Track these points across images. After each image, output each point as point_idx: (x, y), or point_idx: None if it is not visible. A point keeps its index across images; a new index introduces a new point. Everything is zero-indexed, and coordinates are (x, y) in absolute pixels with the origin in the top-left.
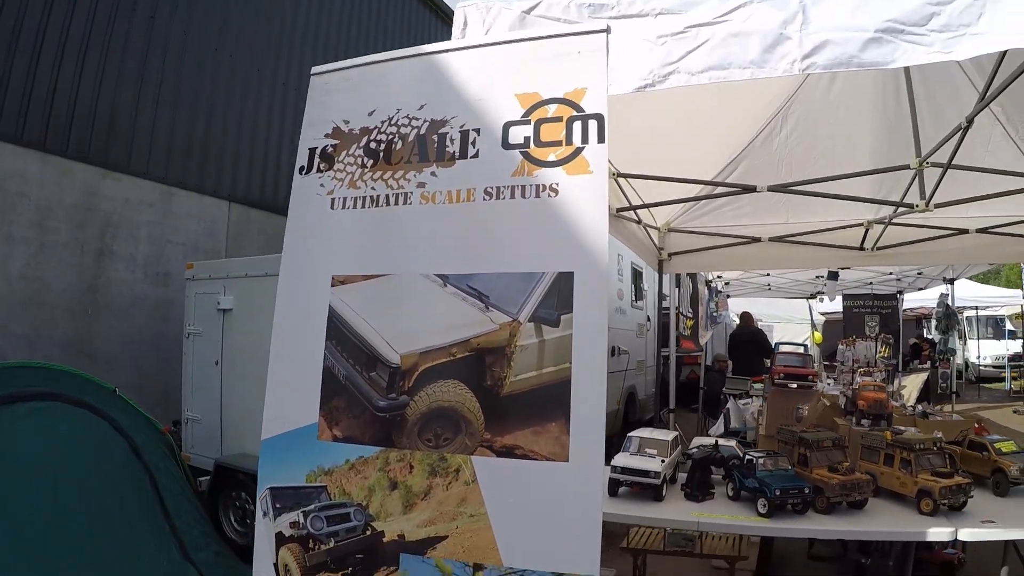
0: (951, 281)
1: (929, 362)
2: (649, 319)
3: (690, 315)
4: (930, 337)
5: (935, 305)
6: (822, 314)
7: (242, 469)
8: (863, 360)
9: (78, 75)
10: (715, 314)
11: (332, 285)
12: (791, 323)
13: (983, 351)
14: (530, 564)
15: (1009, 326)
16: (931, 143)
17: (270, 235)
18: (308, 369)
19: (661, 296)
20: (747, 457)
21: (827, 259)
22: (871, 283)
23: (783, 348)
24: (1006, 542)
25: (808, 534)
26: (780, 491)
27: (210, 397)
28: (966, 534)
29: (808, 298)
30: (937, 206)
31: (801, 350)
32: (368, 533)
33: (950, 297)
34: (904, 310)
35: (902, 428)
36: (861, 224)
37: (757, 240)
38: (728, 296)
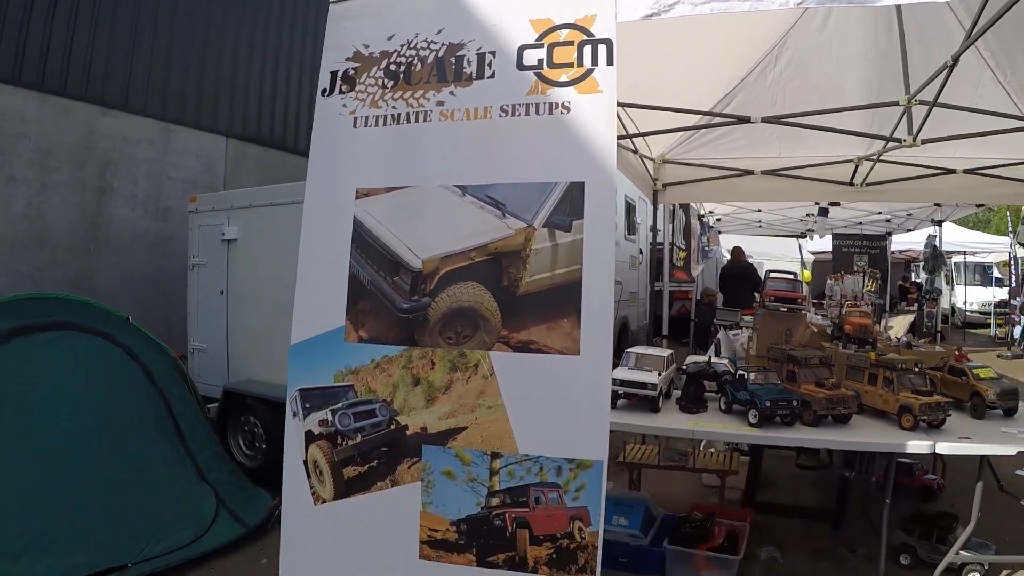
0: (939, 223)
1: (916, 304)
2: (642, 252)
3: (683, 247)
4: (918, 280)
5: (923, 247)
6: (812, 253)
7: (250, 394)
8: (851, 294)
9: (74, 13)
10: (706, 249)
11: (356, 198)
12: (781, 261)
13: (970, 297)
14: (543, 451)
15: (996, 273)
16: (920, 82)
17: (268, 170)
18: (334, 276)
19: (655, 230)
20: (739, 372)
21: (818, 193)
22: (860, 223)
23: (774, 274)
24: (981, 458)
25: (795, 443)
26: (770, 402)
27: (216, 327)
28: (943, 448)
29: (798, 237)
30: (924, 142)
31: (791, 276)
32: (392, 427)
33: (938, 239)
34: (893, 252)
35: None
36: (851, 160)
37: (750, 173)
38: (720, 232)
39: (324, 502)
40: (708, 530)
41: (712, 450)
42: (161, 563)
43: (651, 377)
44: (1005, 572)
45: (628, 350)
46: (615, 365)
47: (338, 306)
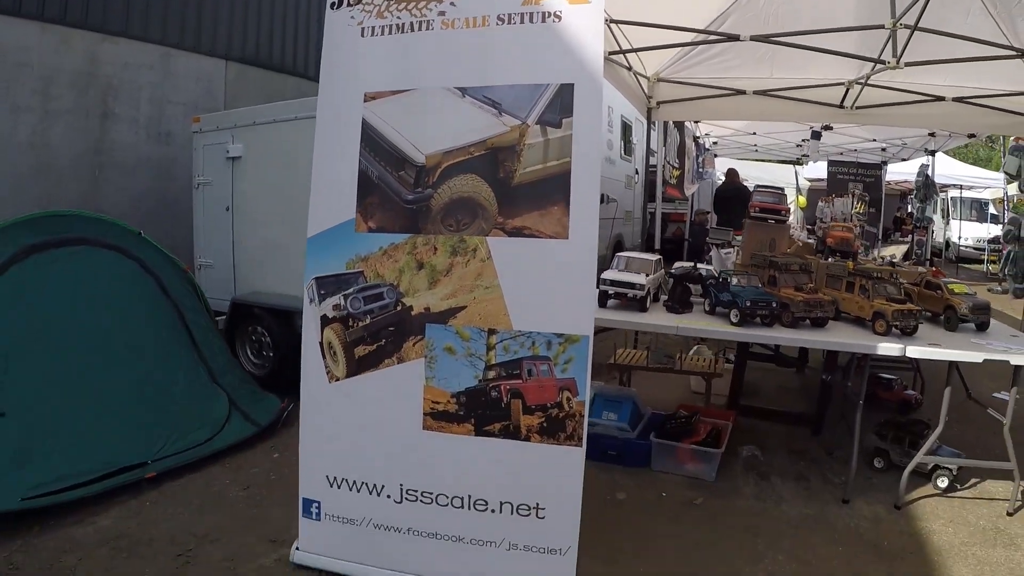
0: (932, 153)
1: (911, 235)
2: (637, 172)
3: (676, 165)
4: (913, 211)
5: (916, 176)
6: (807, 179)
7: (257, 304)
8: (840, 216)
9: None
10: (702, 171)
11: (364, 101)
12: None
13: (965, 232)
14: (536, 327)
15: (992, 210)
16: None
17: (268, 92)
18: (345, 174)
19: (649, 150)
20: (722, 276)
21: (809, 114)
22: (855, 150)
23: (760, 188)
24: (949, 364)
25: (773, 341)
26: (750, 303)
27: (222, 243)
28: (913, 351)
29: (794, 163)
30: (908, 64)
31: (776, 190)
32: (399, 308)
33: (930, 168)
34: (888, 182)
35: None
36: (842, 84)
37: (742, 93)
38: (716, 156)
39: (338, 380)
40: (692, 426)
41: (697, 355)
42: (178, 460)
43: (639, 278)
44: (973, 480)
45: (619, 254)
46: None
47: (349, 200)
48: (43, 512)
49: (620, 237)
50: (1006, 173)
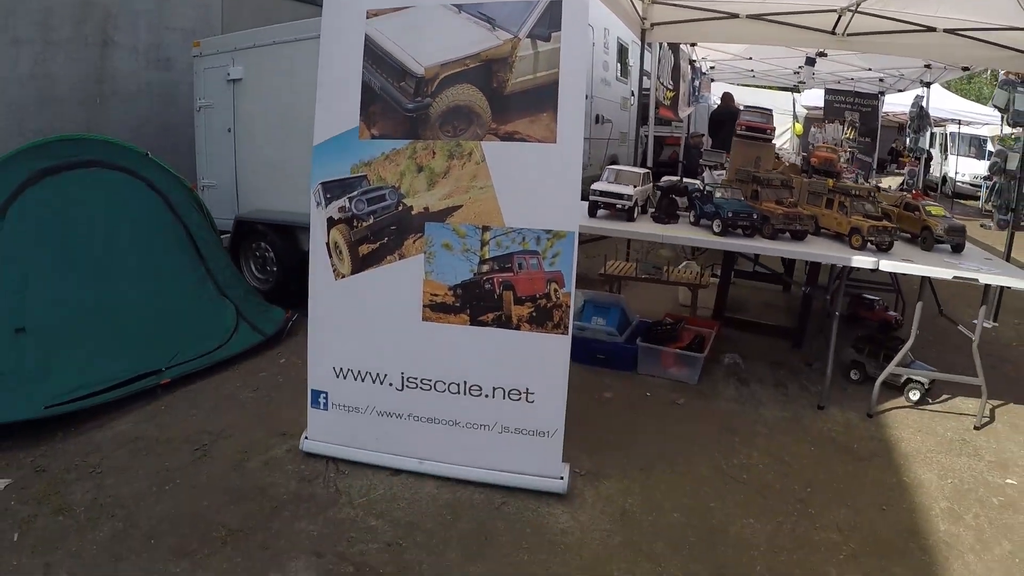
0: (927, 85)
1: (907, 167)
2: (633, 94)
3: (671, 87)
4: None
5: (911, 107)
6: (805, 107)
7: (260, 220)
8: (831, 141)
9: None
10: (698, 94)
11: (367, 18)
12: (773, 113)
13: (963, 168)
14: (525, 224)
15: (990, 147)
16: None
17: (264, 18)
18: (349, 85)
19: (642, 72)
20: (707, 188)
21: (801, 39)
22: (852, 79)
23: (747, 108)
24: (922, 279)
25: (753, 251)
26: (732, 214)
27: (224, 163)
28: (886, 265)
29: (791, 90)
30: None
31: (764, 110)
32: (400, 209)
33: (925, 100)
34: (886, 114)
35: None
36: (834, 10)
37: (735, 16)
38: (712, 80)
39: (343, 277)
40: (678, 333)
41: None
42: (190, 367)
43: (627, 189)
44: (945, 396)
45: (609, 167)
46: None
47: (353, 110)
48: (65, 419)
49: (615, 158)
50: (995, 106)
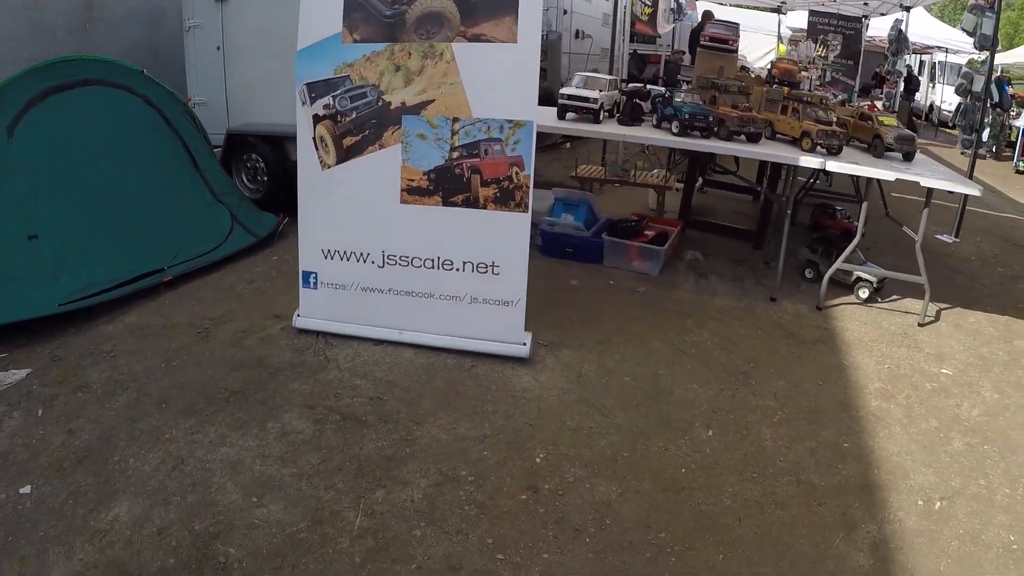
0: (907, 9)
1: (885, 89)
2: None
3: (649, 3)
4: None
5: (889, 30)
6: (790, 28)
7: (251, 132)
8: (805, 59)
9: None
10: (681, 11)
11: None
12: (758, 33)
13: (948, 97)
14: (490, 115)
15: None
16: None
17: None
18: None
19: None
20: (667, 93)
21: None
22: (836, 0)
23: (713, 21)
24: (867, 181)
25: (707, 149)
26: (689, 115)
27: (214, 80)
28: (832, 166)
29: (776, 11)
30: None
31: (729, 23)
32: (380, 104)
33: (904, 23)
34: (872, 38)
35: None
36: None
37: None
38: None
39: (329, 167)
40: (642, 229)
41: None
42: (190, 265)
43: (593, 93)
44: (894, 296)
45: (578, 73)
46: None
47: (336, 16)
48: (77, 316)
49: (595, 71)
50: (963, 30)
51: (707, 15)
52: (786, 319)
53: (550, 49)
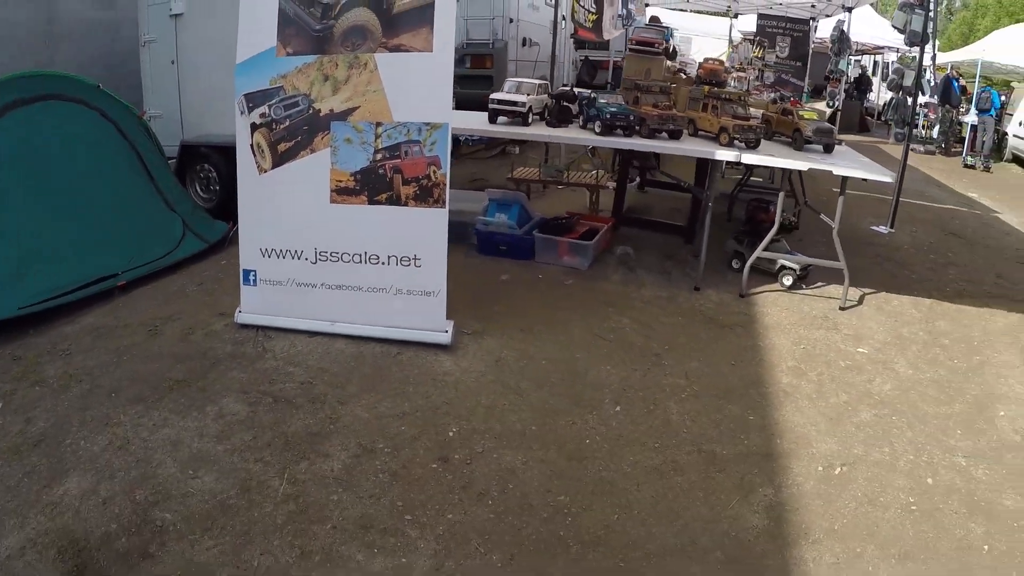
0: (849, 9)
1: (829, 88)
2: (564, 18)
3: (593, 10)
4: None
5: (832, 31)
6: (740, 32)
7: (203, 143)
8: (743, 60)
9: None
10: (631, 17)
11: None
12: (708, 37)
13: None
14: (409, 118)
15: (928, 75)
16: None
17: None
18: (267, 11)
19: None
20: (592, 95)
21: None
22: (782, 2)
23: (646, 27)
24: (783, 171)
25: (628, 147)
26: (610, 116)
27: (169, 94)
28: (748, 158)
29: (727, 15)
30: None
31: (658, 27)
32: (311, 112)
33: (846, 24)
34: (823, 39)
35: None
36: None
37: None
38: (647, 4)
39: (265, 171)
40: (573, 226)
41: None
42: (143, 270)
43: (521, 97)
44: (819, 283)
45: (509, 78)
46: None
47: (271, 31)
48: (36, 318)
49: (544, 78)
50: (894, 27)
51: (654, 20)
52: (708, 307)
53: (496, 57)
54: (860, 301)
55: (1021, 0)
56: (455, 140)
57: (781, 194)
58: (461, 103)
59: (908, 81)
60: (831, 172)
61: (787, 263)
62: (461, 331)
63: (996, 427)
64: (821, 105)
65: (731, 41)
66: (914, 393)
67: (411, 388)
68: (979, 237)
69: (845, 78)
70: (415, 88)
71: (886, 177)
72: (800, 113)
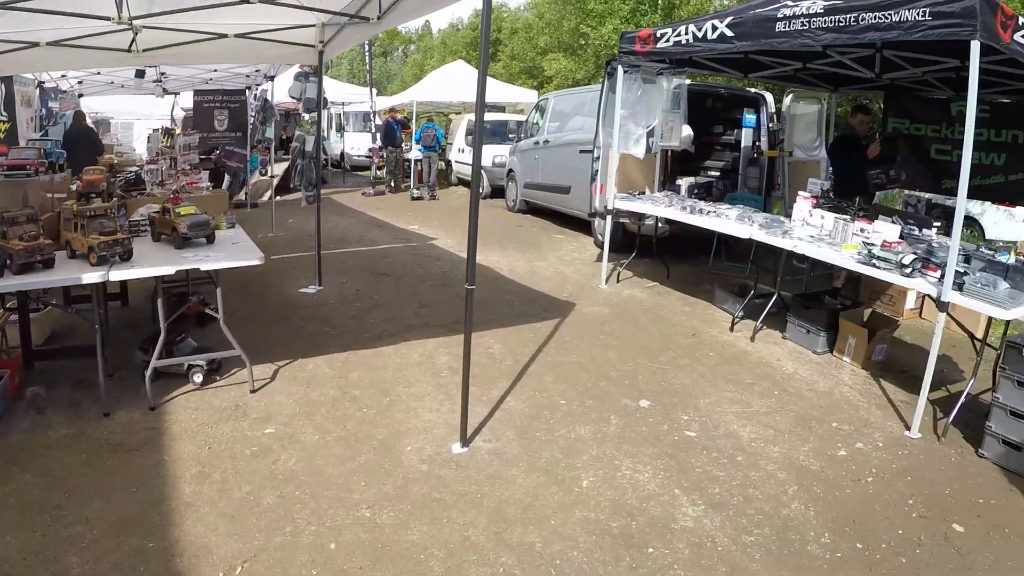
0: (271, 78)
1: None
2: None
3: (5, 118)
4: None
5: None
6: (183, 110)
7: None
8: (162, 149)
9: None
10: (56, 114)
11: None
12: (151, 119)
13: (356, 143)
14: None
15: (377, 120)
16: None
17: None
18: None
19: None
20: None
21: (103, 60)
22: (211, 79)
23: (22, 147)
24: (156, 279)
25: (5, 288)
26: None
27: None
28: (116, 275)
29: (167, 94)
30: (134, 18)
31: (39, 146)
32: None
33: (270, 92)
34: (279, 103)
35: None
36: (121, 31)
37: (36, 44)
38: (81, 95)
39: None
40: None
41: None
42: None
43: None
44: (235, 369)
45: None
46: None
47: None
48: None
49: None
50: (291, 96)
51: (78, 116)
52: (116, 431)
53: None
54: (274, 376)
55: (464, 39)
56: None
57: (160, 300)
58: None
59: (310, 147)
60: (199, 268)
61: (193, 361)
62: None
63: (403, 464)
64: (277, 168)
65: (173, 120)
66: (319, 459)
67: None
68: (408, 270)
69: (272, 146)
70: None
71: (254, 260)
72: (176, 210)
